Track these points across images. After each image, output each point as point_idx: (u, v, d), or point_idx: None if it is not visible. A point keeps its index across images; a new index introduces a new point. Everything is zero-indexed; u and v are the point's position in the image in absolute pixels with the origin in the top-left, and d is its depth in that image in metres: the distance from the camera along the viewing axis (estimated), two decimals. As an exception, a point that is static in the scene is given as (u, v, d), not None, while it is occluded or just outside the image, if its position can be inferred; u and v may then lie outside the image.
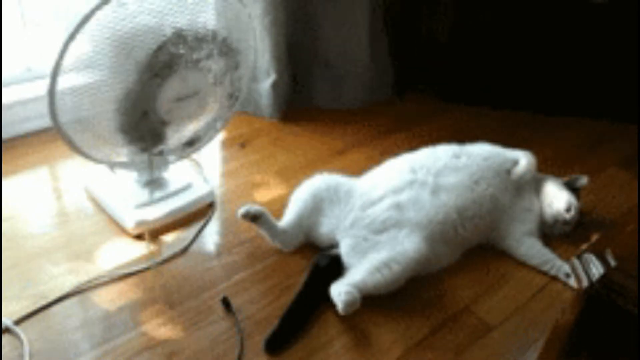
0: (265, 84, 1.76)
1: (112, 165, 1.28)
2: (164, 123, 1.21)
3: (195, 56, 1.15)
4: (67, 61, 1.05)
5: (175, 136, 1.27)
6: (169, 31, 1.09)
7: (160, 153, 1.27)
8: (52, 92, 1.07)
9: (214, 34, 1.16)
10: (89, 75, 1.07)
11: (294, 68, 1.86)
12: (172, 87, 1.15)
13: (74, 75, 1.07)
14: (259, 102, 1.81)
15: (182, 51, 1.12)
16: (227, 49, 1.20)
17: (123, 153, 1.24)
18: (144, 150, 1.23)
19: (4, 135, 1.61)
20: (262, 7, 1.65)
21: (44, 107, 1.64)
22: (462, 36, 1.91)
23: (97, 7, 1.02)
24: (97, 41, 1.06)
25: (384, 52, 1.93)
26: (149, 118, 1.17)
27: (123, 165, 1.28)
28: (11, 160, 1.53)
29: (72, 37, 1.02)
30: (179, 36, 1.11)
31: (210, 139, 1.38)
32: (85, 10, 1.02)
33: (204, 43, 1.15)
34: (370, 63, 1.89)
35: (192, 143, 1.35)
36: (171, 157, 1.33)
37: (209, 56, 1.17)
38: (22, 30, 1.64)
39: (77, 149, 1.17)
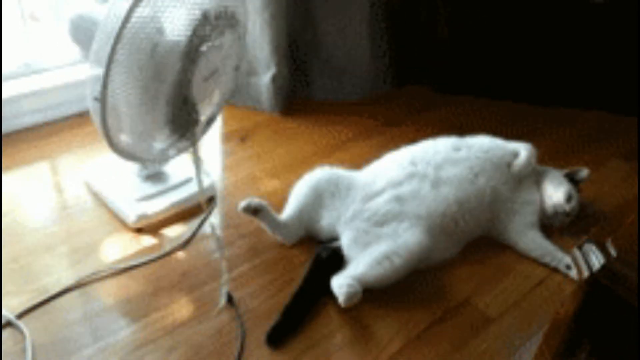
0: (265, 77, 1.76)
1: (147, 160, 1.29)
2: (196, 105, 1.21)
3: (214, 34, 1.15)
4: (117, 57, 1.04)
5: (203, 118, 1.27)
6: (198, 14, 1.09)
7: (193, 135, 1.27)
8: (104, 98, 1.06)
9: (226, 9, 1.16)
10: (142, 72, 1.07)
11: (294, 61, 1.86)
12: (200, 69, 1.15)
13: (119, 73, 1.06)
14: (259, 96, 1.81)
15: (208, 32, 1.12)
16: (235, 22, 1.20)
17: (165, 144, 1.25)
18: (182, 137, 1.23)
19: (4, 129, 1.60)
20: (262, 1, 1.65)
21: (43, 101, 1.66)
22: (461, 28, 1.91)
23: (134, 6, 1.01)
24: (137, 40, 1.04)
25: (384, 45, 1.92)
26: (188, 103, 1.17)
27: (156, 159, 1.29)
28: (11, 155, 1.53)
29: (117, 39, 1.01)
30: (206, 18, 1.11)
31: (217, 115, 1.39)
32: (122, 12, 1.01)
33: (220, 20, 1.15)
34: (370, 56, 1.88)
35: (210, 121, 1.35)
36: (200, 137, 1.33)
37: (222, 32, 1.17)
38: (21, 25, 1.64)
39: (119, 150, 1.18)
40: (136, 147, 1.21)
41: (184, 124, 1.20)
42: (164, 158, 1.31)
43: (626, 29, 1.72)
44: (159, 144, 1.24)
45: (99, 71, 1.03)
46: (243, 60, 1.34)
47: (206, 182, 1.41)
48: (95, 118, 1.10)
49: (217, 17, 1.14)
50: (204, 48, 1.12)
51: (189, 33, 1.09)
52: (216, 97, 1.28)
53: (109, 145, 1.15)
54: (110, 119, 1.10)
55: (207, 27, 1.11)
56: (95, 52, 1.04)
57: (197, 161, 1.23)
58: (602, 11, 1.74)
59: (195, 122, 1.22)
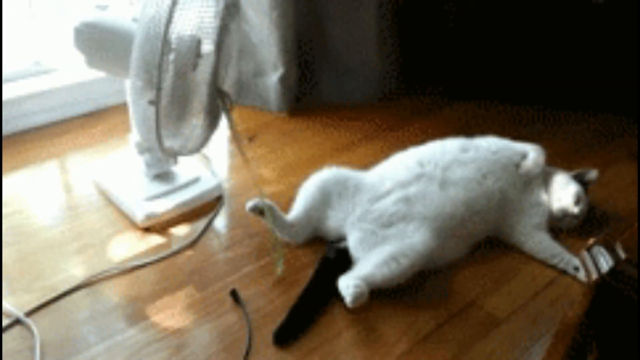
0: (273, 78, 1.76)
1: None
2: (225, 92, 1.21)
3: (229, 22, 1.15)
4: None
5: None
6: (223, 4, 1.10)
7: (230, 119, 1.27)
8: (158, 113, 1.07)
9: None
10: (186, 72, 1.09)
11: (302, 62, 1.86)
12: (223, 58, 1.16)
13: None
14: (266, 96, 1.81)
15: (227, 21, 1.13)
16: (238, 9, 1.20)
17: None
18: (213, 127, 1.23)
19: (14, 129, 1.61)
20: (270, 2, 1.65)
21: (52, 100, 1.67)
22: (469, 31, 1.90)
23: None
24: (180, 41, 1.06)
25: (392, 47, 1.92)
26: (220, 92, 1.17)
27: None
28: (21, 154, 1.54)
29: (165, 42, 1.03)
30: (227, 7, 1.11)
31: None
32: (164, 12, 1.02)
33: (232, 7, 1.15)
34: (378, 57, 1.88)
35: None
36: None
37: (233, 18, 1.17)
38: (30, 24, 1.65)
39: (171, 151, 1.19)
40: (177, 144, 1.21)
41: (217, 112, 1.21)
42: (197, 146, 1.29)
43: (630, 31, 1.72)
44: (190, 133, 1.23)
45: (149, 75, 1.04)
46: (235, 49, 1.33)
47: (214, 181, 1.42)
48: (145, 123, 1.10)
49: (233, 4, 1.14)
50: (225, 37, 1.13)
51: (219, 23, 1.09)
52: (228, 83, 1.28)
53: (160, 148, 1.15)
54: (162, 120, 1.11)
55: (228, 17, 1.12)
56: (139, 58, 1.05)
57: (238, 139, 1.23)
58: (608, 13, 1.73)
59: (219, 110, 1.22)
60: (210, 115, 1.19)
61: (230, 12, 1.14)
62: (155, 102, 1.06)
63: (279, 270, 1.17)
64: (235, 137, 1.23)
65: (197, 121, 1.18)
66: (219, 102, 1.18)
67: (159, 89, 1.05)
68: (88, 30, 1.17)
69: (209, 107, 1.17)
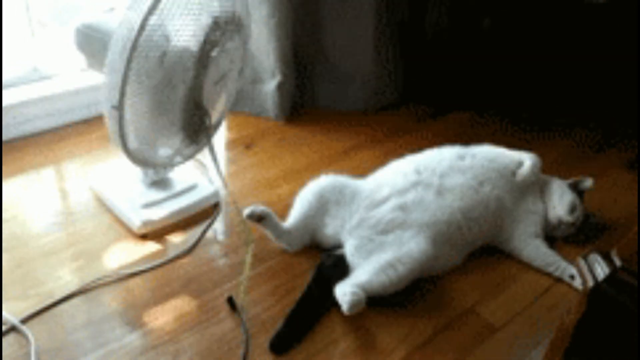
0: (271, 85, 1.77)
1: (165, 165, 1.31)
2: (206, 110, 1.22)
3: (224, 39, 1.16)
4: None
5: (212, 122, 1.28)
6: (210, 21, 1.10)
7: (205, 139, 1.28)
8: (122, 96, 1.07)
9: (233, 14, 1.17)
10: (150, 80, 1.09)
11: (300, 69, 1.86)
12: (211, 74, 1.16)
13: (135, 84, 1.08)
14: (264, 103, 1.82)
15: (217, 37, 1.13)
16: (240, 26, 1.21)
17: (179, 150, 1.26)
18: (194, 142, 1.24)
19: (11, 135, 1.61)
20: (268, 9, 1.66)
21: (50, 107, 1.67)
22: (465, 41, 1.92)
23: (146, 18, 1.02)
24: (147, 49, 1.06)
25: (390, 55, 1.93)
26: (201, 108, 1.18)
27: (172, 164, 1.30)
28: (18, 160, 1.53)
29: (133, 47, 1.02)
30: (216, 24, 1.12)
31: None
32: (137, 21, 1.02)
33: (229, 25, 1.16)
34: (376, 65, 1.89)
35: (217, 126, 1.35)
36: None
37: (231, 37, 1.18)
38: (29, 31, 1.65)
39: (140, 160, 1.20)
40: (148, 154, 1.21)
41: (196, 129, 1.21)
42: (174, 163, 1.32)
43: (627, 40, 1.73)
44: (168, 150, 1.25)
45: (116, 79, 1.04)
46: (246, 64, 1.35)
47: (211, 189, 1.42)
48: (112, 126, 1.11)
49: (227, 22, 1.15)
50: (214, 53, 1.13)
51: (201, 39, 1.10)
52: (223, 102, 1.29)
53: (124, 152, 1.16)
54: (127, 126, 1.11)
55: (217, 32, 1.12)
56: (111, 61, 1.05)
57: (216, 163, 1.24)
58: (605, 21, 1.75)
59: (208, 127, 1.22)
60: (186, 131, 1.19)
61: (224, 29, 1.13)
62: (117, 108, 1.06)
63: (247, 265, 1.18)
64: (213, 158, 1.24)
65: (171, 135, 1.18)
66: (196, 119, 1.18)
67: (122, 95, 1.05)
68: (88, 31, 1.17)
69: (183, 123, 1.17)
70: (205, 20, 1.10)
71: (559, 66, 1.83)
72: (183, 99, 1.14)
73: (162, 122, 1.15)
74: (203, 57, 1.11)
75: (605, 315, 0.75)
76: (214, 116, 1.28)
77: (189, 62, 1.10)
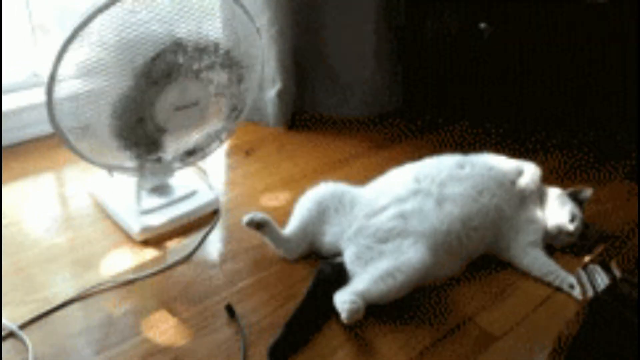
0: (271, 92, 1.77)
1: (111, 169, 1.29)
2: (162, 131, 1.20)
3: (195, 66, 1.15)
4: (64, 66, 1.05)
5: (174, 145, 1.27)
6: (168, 40, 1.09)
7: (158, 160, 1.27)
8: (49, 95, 1.07)
9: (216, 46, 1.16)
10: (85, 80, 1.08)
11: (300, 77, 1.87)
12: (170, 96, 1.15)
13: (71, 81, 1.07)
14: (264, 111, 1.82)
15: (181, 61, 1.12)
16: (230, 62, 1.20)
17: (121, 158, 1.24)
18: (140, 156, 1.23)
19: (11, 140, 1.61)
20: (269, 17, 1.67)
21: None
22: (464, 50, 1.92)
23: (93, 15, 1.03)
24: (93, 46, 1.06)
25: (390, 62, 1.94)
26: (145, 125, 1.17)
27: (122, 170, 1.28)
28: (17, 165, 1.53)
29: (70, 39, 1.03)
30: (179, 45, 1.11)
31: (215, 149, 1.38)
32: (83, 16, 1.02)
33: (204, 54, 1.15)
34: (376, 72, 1.90)
35: (193, 152, 1.34)
36: (174, 165, 1.33)
37: (210, 67, 1.17)
38: (29, 36, 1.65)
39: (78, 153, 1.18)
40: (99, 155, 1.21)
41: (144, 143, 1.20)
42: (132, 172, 1.30)
43: (627, 50, 1.74)
44: (114, 158, 1.23)
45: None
46: (245, 104, 1.33)
47: (210, 195, 1.42)
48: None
49: (201, 50, 1.13)
50: (176, 76, 1.12)
51: (151, 54, 1.09)
52: (203, 131, 1.28)
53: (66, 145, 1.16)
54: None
55: (179, 55, 1.11)
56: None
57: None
58: (605, 31, 1.75)
59: (156, 146, 1.22)
60: (129, 142, 1.18)
61: (192, 55, 1.12)
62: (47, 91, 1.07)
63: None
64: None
65: (107, 139, 1.17)
66: (140, 132, 1.17)
67: (51, 78, 1.05)
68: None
69: (125, 134, 1.16)
70: (162, 37, 1.09)
71: (559, 74, 1.84)
72: (118, 107, 1.12)
73: (96, 121, 1.13)
74: (151, 72, 1.09)
75: (605, 326, 0.75)
76: (183, 141, 1.27)
77: (128, 72, 1.09)
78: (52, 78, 1.05)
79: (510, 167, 1.34)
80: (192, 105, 1.20)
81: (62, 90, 1.07)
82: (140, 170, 1.27)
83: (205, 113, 1.24)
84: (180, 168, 1.37)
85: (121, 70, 1.08)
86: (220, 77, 1.20)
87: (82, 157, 1.19)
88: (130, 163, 1.25)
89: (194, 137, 1.30)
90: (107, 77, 1.09)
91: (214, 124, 1.30)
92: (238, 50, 1.21)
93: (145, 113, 1.15)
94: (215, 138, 1.34)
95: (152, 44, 1.09)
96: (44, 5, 1.61)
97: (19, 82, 1.67)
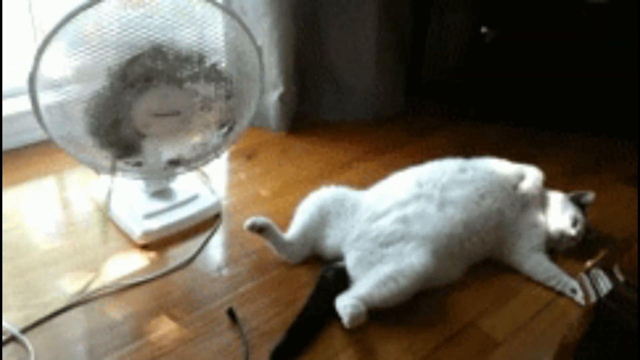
0: (273, 96, 1.77)
1: (94, 168, 1.28)
2: (141, 135, 1.19)
3: (178, 75, 1.13)
4: (44, 60, 1.07)
5: (154, 152, 1.25)
6: (146, 44, 1.08)
7: (139, 164, 1.26)
8: (32, 89, 1.10)
9: (201, 58, 1.14)
10: (60, 73, 1.10)
11: (302, 81, 1.87)
12: (149, 101, 1.13)
13: (49, 76, 1.10)
14: (266, 115, 1.82)
15: (160, 67, 1.11)
16: (216, 76, 1.17)
17: (98, 157, 1.23)
18: (119, 158, 1.22)
19: (13, 144, 1.62)
20: (271, 22, 1.67)
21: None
22: (468, 55, 1.93)
23: (73, 14, 1.04)
24: (71, 42, 1.07)
25: (392, 66, 1.94)
26: (122, 127, 1.16)
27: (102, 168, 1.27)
28: (19, 169, 1.54)
29: (54, 32, 1.05)
30: (158, 51, 1.09)
31: (206, 163, 1.35)
32: (62, 16, 1.05)
33: (187, 64, 1.13)
34: (378, 76, 1.90)
35: (177, 163, 1.31)
36: (157, 173, 1.31)
37: (194, 78, 1.15)
38: (33, 40, 1.66)
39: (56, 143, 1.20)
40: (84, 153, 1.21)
41: (121, 145, 1.19)
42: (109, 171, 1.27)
43: (629, 52, 1.74)
44: (92, 156, 1.22)
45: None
46: (236, 123, 1.29)
47: (212, 199, 1.42)
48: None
49: (183, 59, 1.12)
50: (156, 83, 1.11)
51: (127, 57, 1.08)
52: (187, 142, 1.26)
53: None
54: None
55: (158, 61, 1.10)
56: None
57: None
58: (607, 35, 1.75)
59: (133, 149, 1.21)
60: (104, 141, 1.17)
61: (171, 63, 1.11)
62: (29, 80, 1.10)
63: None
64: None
65: (80, 133, 1.16)
66: (119, 138, 1.17)
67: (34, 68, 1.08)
68: None
69: (99, 132, 1.16)
70: (141, 41, 1.08)
71: (561, 79, 1.84)
72: (92, 104, 1.11)
73: (71, 116, 1.14)
74: (128, 75, 1.09)
75: (608, 331, 0.74)
76: (164, 149, 1.25)
77: (101, 70, 1.08)
78: (33, 72, 1.09)
79: (513, 171, 1.34)
80: (173, 114, 1.17)
81: (44, 84, 1.10)
82: (114, 172, 1.25)
83: (188, 124, 1.21)
84: (165, 177, 1.35)
85: (94, 68, 1.08)
86: (206, 90, 1.18)
87: (67, 152, 1.21)
88: (107, 162, 1.22)
89: (176, 148, 1.27)
90: (80, 75, 1.09)
91: (201, 137, 1.27)
92: (227, 65, 1.18)
93: (121, 115, 1.14)
94: (204, 151, 1.31)
95: (129, 46, 1.08)
96: (47, 9, 1.62)
97: (22, 87, 1.67)
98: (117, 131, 1.16)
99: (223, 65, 1.18)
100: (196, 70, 1.14)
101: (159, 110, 1.16)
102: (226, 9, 1.16)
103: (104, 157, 1.21)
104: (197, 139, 1.27)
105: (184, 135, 1.24)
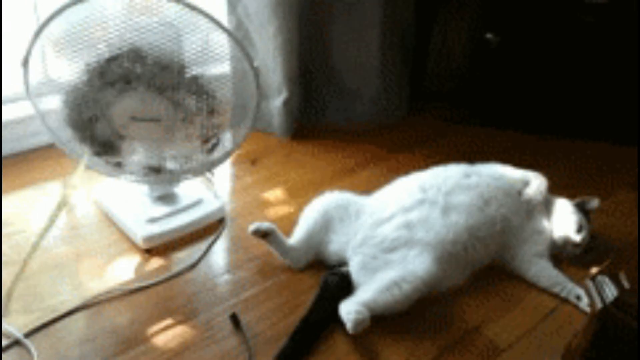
0: (277, 101, 1.78)
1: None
2: (119, 136, 1.19)
3: (157, 82, 1.12)
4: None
5: (132, 154, 1.24)
6: (124, 46, 1.09)
7: (118, 165, 1.25)
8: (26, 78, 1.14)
9: (180, 68, 1.12)
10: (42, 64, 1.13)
11: (306, 86, 1.87)
12: (128, 103, 1.14)
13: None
14: (270, 119, 1.82)
15: (139, 70, 1.11)
16: (197, 89, 1.15)
17: (78, 150, 1.23)
18: (98, 155, 1.22)
19: (17, 149, 1.62)
20: (276, 27, 1.67)
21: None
22: (473, 60, 1.93)
23: (60, 10, 1.07)
24: (55, 35, 1.10)
25: (396, 71, 1.94)
26: (100, 124, 1.16)
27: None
28: (23, 174, 1.54)
29: (45, 23, 1.09)
30: (137, 55, 1.09)
31: (193, 174, 1.32)
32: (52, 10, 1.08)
33: (167, 72, 1.12)
34: (382, 82, 1.90)
35: (158, 171, 1.28)
36: (137, 177, 1.30)
37: (174, 88, 1.14)
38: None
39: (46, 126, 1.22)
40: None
41: (99, 143, 1.20)
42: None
43: (631, 59, 1.74)
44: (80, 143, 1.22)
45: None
46: (219, 140, 1.26)
47: (216, 204, 1.42)
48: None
49: (164, 67, 1.11)
50: (135, 86, 1.12)
51: (105, 55, 1.09)
52: (167, 151, 1.24)
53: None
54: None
55: (137, 64, 1.10)
56: None
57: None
58: (611, 42, 1.75)
59: (111, 149, 1.21)
60: (82, 135, 1.18)
61: (151, 69, 1.11)
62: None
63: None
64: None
65: (62, 123, 1.18)
66: (92, 134, 1.17)
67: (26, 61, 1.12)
68: None
69: (76, 125, 1.17)
70: (121, 42, 1.08)
71: (564, 85, 1.84)
72: (69, 96, 1.13)
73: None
74: (106, 73, 1.10)
75: (613, 338, 0.74)
76: (143, 154, 1.24)
77: (79, 65, 1.10)
78: (25, 59, 1.15)
79: (517, 176, 1.34)
80: (152, 120, 1.17)
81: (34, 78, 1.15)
82: (90, 168, 1.25)
83: (169, 133, 1.20)
84: (144, 182, 1.34)
85: (72, 61, 1.10)
86: (188, 102, 1.16)
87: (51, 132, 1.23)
88: (86, 157, 1.21)
89: (156, 154, 1.25)
90: (60, 63, 1.12)
91: (185, 150, 1.25)
92: (210, 80, 1.16)
93: (99, 112, 1.14)
94: (187, 163, 1.28)
95: (107, 45, 1.08)
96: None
97: (23, 92, 1.67)
98: (95, 128, 1.16)
99: (205, 79, 1.16)
100: (175, 80, 1.13)
101: (137, 114, 1.16)
102: (226, 29, 1.14)
103: (83, 152, 1.22)
104: (180, 150, 1.25)
105: (164, 144, 1.23)
